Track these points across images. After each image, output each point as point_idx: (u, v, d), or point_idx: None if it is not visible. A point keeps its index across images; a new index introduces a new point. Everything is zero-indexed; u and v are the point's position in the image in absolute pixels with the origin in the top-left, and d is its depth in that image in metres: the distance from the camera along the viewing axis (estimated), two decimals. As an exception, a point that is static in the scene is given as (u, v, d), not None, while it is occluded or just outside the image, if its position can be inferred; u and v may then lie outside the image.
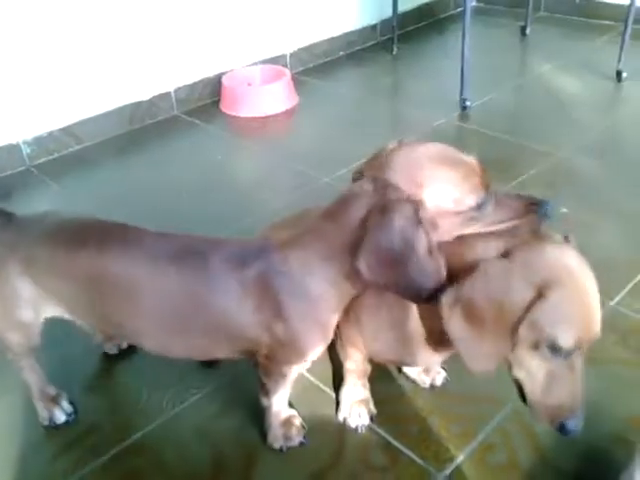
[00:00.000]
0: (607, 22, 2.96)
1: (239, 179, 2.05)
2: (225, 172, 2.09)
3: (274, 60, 2.77)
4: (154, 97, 2.47)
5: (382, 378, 1.24)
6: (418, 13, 3.30)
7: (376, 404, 1.19)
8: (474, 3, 3.62)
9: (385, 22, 3.09)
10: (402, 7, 3.08)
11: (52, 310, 1.06)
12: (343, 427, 1.16)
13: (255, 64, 2.71)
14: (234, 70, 2.64)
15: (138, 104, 2.43)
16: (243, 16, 2.63)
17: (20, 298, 1.03)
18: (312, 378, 1.26)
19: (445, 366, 1.23)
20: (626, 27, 2.36)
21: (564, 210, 1.69)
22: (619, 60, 2.44)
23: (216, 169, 2.11)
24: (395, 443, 1.12)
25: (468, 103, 2.37)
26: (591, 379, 1.15)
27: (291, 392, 1.11)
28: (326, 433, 1.15)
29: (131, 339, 1.14)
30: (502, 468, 1.06)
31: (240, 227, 1.70)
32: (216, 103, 2.59)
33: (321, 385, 1.25)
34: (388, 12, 2.95)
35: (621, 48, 2.41)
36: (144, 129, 2.43)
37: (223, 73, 2.60)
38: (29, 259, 1.01)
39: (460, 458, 1.08)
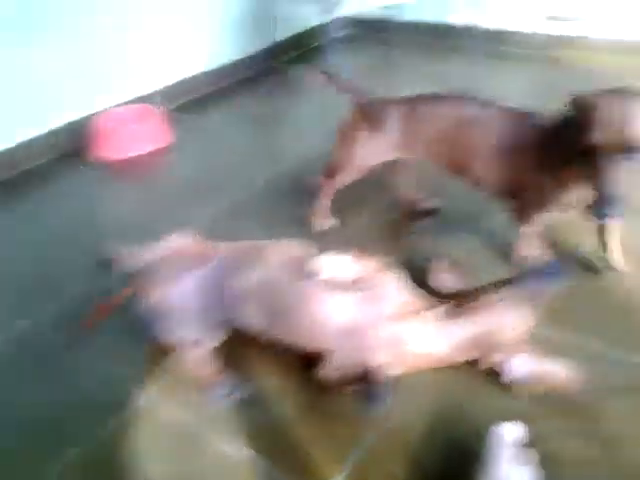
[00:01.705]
0: (465, 43, 3.16)
1: (114, 222, 1.98)
2: (101, 216, 2.02)
3: (145, 98, 2.73)
4: (20, 144, 2.35)
5: (260, 407, 1.22)
6: (292, 43, 3.38)
7: (256, 433, 1.17)
8: (345, 31, 3.76)
9: (257, 54, 3.13)
10: (273, 39, 3.16)
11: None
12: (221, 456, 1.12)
13: (125, 103, 2.65)
14: (104, 111, 2.57)
15: (3, 153, 2.31)
16: (109, 56, 2.58)
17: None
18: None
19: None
20: (473, 47, 2.52)
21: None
22: (471, 78, 2.59)
23: (88, 215, 2.03)
24: (275, 472, 1.09)
25: (342, 128, 2.42)
26: (451, 383, 1.21)
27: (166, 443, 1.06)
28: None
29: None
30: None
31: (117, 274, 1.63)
32: (86, 147, 2.50)
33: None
34: (260, 44, 2.99)
35: (473, 66, 2.56)
36: (11, 180, 2.31)
37: (93, 115, 2.53)
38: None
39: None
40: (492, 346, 1.19)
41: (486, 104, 1.49)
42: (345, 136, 1.65)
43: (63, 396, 1.30)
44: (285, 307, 1.23)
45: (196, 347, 1.32)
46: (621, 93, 1.21)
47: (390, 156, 1.63)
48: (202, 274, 1.31)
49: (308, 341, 1.24)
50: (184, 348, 1.32)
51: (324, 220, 1.82)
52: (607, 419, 1.12)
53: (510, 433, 0.98)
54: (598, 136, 1.17)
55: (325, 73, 1.68)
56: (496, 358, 1.20)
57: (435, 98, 1.56)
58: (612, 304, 1.41)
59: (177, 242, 1.40)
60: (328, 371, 1.20)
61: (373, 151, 1.62)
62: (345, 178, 1.72)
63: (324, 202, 1.81)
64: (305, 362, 1.28)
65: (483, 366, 1.21)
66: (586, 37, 2.99)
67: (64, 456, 1.16)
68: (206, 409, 1.24)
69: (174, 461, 1.15)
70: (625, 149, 1.16)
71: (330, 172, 1.74)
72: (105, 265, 1.41)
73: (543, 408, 1.15)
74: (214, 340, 1.34)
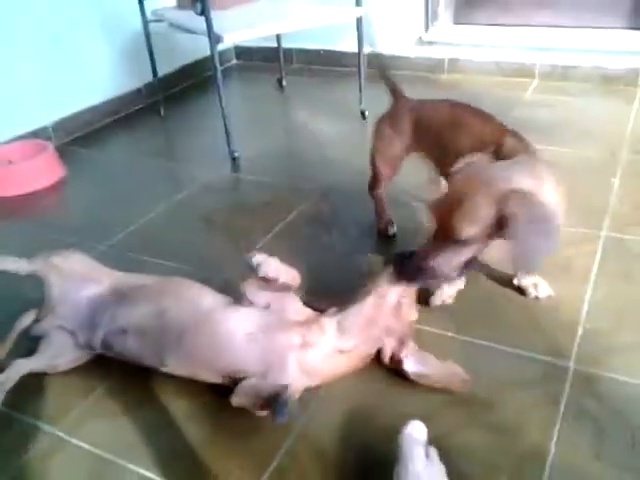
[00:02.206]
0: (349, 68, 3.33)
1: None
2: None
3: (35, 133, 2.67)
4: None
5: (172, 433, 1.25)
6: (181, 74, 3.42)
7: (170, 459, 1.19)
8: (235, 61, 3.85)
9: (149, 85, 3.14)
10: (164, 69, 3.17)
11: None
12: (139, 493, 1.14)
13: (13, 140, 2.58)
14: (-9, 148, 2.49)
15: None
16: (-8, 93, 2.51)
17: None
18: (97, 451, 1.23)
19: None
20: (360, 72, 2.69)
21: (333, 234, 1.87)
22: (361, 101, 2.76)
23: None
24: (194, 495, 1.13)
25: (237, 154, 2.49)
26: (362, 386, 1.30)
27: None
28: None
29: None
30: (295, 489, 1.12)
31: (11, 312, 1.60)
32: (-26, 186, 2.41)
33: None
34: (151, 75, 3.00)
35: (360, 90, 2.74)
36: None
37: (-22, 153, 2.45)
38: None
39: (256, 491, 1.12)
40: (383, 330, 1.30)
41: (476, 111, 1.63)
42: (378, 132, 1.82)
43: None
44: (180, 332, 1.27)
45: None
46: None
47: (406, 154, 1.78)
48: (87, 296, 1.40)
49: (210, 364, 1.27)
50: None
51: (390, 227, 1.88)
52: (504, 410, 1.24)
53: (417, 431, 1.03)
54: None
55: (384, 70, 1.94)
56: (392, 343, 1.31)
57: (435, 103, 1.72)
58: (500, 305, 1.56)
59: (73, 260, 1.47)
60: (240, 397, 1.22)
61: (396, 148, 1.78)
62: (384, 177, 1.84)
63: (383, 211, 1.90)
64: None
65: (386, 358, 1.31)
66: (458, 59, 3.25)
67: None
68: (121, 435, 1.25)
69: (91, 495, 1.15)
70: None
71: (373, 179, 1.87)
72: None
73: (445, 402, 1.26)
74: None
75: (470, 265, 1.27)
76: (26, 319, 1.46)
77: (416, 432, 1.03)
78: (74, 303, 1.40)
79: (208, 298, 1.34)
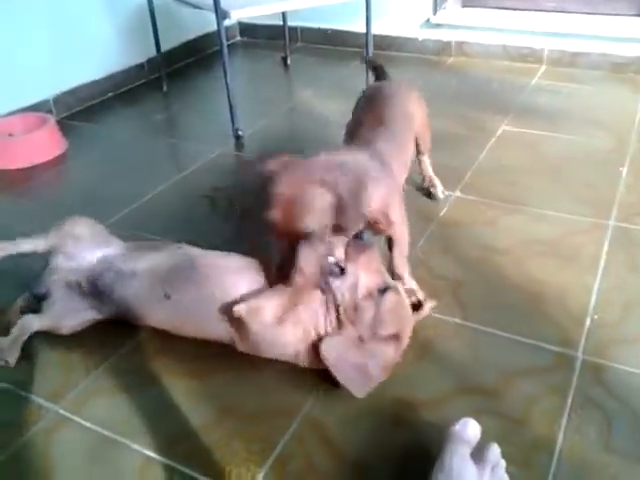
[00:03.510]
0: (354, 49, 3.29)
1: (7, 235, 1.89)
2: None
3: (36, 107, 2.63)
4: None
5: (176, 414, 1.24)
6: (185, 49, 3.36)
7: (173, 440, 1.18)
8: (239, 38, 3.79)
9: (152, 60, 3.09)
10: (168, 45, 3.12)
11: None
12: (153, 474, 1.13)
13: (15, 112, 2.54)
14: (-8, 121, 2.45)
15: None
16: (-8, 63, 2.46)
17: None
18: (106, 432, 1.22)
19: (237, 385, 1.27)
20: (367, 53, 2.65)
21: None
22: (366, 82, 2.72)
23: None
24: (200, 477, 1.12)
25: (241, 132, 2.46)
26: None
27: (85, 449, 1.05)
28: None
29: None
30: (301, 473, 1.11)
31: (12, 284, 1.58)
32: (-27, 158, 2.38)
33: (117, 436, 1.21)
34: (154, 50, 2.95)
35: (367, 71, 2.70)
36: None
37: (-22, 125, 2.41)
38: None
39: (261, 475, 1.11)
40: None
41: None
42: None
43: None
44: (192, 262, 1.34)
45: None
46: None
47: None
48: (100, 252, 1.45)
49: (216, 297, 1.29)
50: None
51: None
52: (512, 399, 1.23)
53: (467, 430, 1.02)
54: None
55: None
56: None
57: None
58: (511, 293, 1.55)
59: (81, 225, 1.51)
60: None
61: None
62: None
63: None
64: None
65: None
66: (465, 43, 3.21)
67: (-25, 481, 1.13)
68: (124, 414, 1.24)
69: (93, 468, 1.14)
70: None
71: None
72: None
73: (453, 390, 1.25)
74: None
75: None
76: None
77: (465, 431, 1.02)
78: (83, 256, 1.43)
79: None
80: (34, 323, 1.40)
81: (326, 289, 1.23)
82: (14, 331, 1.37)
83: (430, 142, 1.86)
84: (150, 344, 1.41)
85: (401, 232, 1.44)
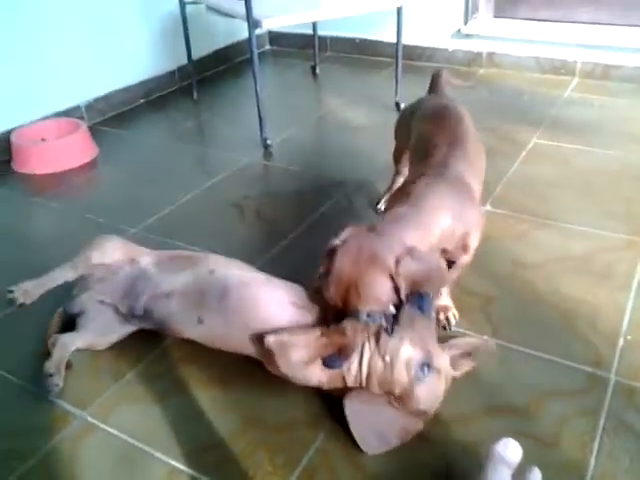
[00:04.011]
0: (384, 59, 3.28)
1: (38, 240, 1.93)
2: (22, 234, 1.96)
3: (68, 112, 2.67)
4: None
5: (201, 423, 1.24)
6: (215, 58, 3.40)
7: (198, 450, 1.18)
8: (268, 46, 3.81)
9: (183, 68, 3.13)
10: (199, 53, 3.15)
11: None
12: (168, 483, 1.13)
13: (47, 118, 2.58)
14: (24, 126, 2.49)
15: None
16: (31, 70, 2.51)
17: None
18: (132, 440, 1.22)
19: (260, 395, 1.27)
20: (397, 63, 2.65)
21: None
22: (396, 92, 2.71)
23: (12, 232, 1.97)
24: (222, 487, 1.12)
25: (269, 142, 2.47)
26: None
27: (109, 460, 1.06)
28: (151, 493, 1.12)
29: None
30: (326, 488, 1.10)
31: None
32: (7, 163, 2.42)
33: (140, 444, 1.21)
34: (185, 58, 2.98)
35: (396, 81, 2.69)
36: None
37: (12, 130, 2.45)
38: None
39: (286, 488, 1.11)
40: None
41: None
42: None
43: (-2, 423, 1.27)
44: (224, 287, 1.30)
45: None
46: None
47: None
48: (129, 271, 1.42)
49: (247, 322, 1.26)
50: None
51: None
52: (542, 420, 1.21)
53: (509, 450, 0.99)
54: None
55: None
56: None
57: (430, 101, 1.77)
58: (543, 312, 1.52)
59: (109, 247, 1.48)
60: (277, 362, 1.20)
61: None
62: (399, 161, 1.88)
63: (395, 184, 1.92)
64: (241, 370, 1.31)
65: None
66: (496, 54, 3.18)
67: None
68: (150, 422, 1.24)
69: (119, 476, 1.14)
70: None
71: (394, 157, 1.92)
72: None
73: (482, 409, 1.23)
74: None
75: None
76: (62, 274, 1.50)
77: (506, 451, 0.99)
78: (115, 281, 1.42)
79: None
80: (73, 342, 1.39)
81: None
82: (55, 353, 1.36)
83: None
84: (175, 352, 1.42)
85: (469, 258, 1.38)
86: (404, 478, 1.11)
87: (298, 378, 1.23)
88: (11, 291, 1.52)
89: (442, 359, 1.18)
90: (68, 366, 1.37)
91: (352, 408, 1.18)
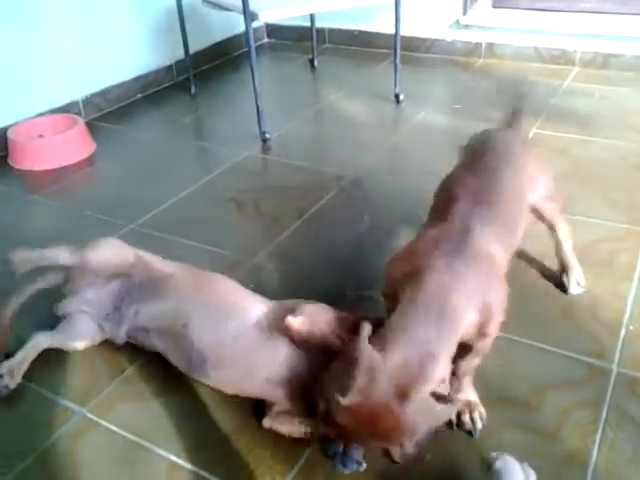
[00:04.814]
0: (383, 50, 3.26)
1: (36, 237, 1.92)
2: (20, 231, 1.95)
3: (65, 108, 2.65)
4: None
5: (201, 419, 1.23)
6: (212, 52, 3.37)
7: (199, 445, 1.18)
8: (266, 39, 3.79)
9: (180, 62, 3.10)
10: (195, 47, 3.13)
11: None
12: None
13: (44, 114, 2.57)
14: (21, 122, 2.48)
15: None
16: (28, 66, 2.49)
17: None
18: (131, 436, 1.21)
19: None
20: (396, 54, 2.63)
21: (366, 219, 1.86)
22: (395, 84, 2.70)
23: (10, 229, 1.96)
24: (222, 482, 1.11)
25: (268, 135, 2.45)
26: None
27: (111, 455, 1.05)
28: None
29: None
30: (327, 483, 1.10)
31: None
32: (4, 159, 2.41)
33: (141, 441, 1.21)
34: (182, 52, 2.97)
35: (395, 73, 2.67)
36: None
37: (9, 126, 2.44)
38: None
39: (287, 482, 1.10)
40: None
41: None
42: None
43: (-3, 421, 1.26)
44: (203, 356, 1.23)
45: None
46: None
47: None
48: (118, 287, 1.37)
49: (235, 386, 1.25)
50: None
51: None
52: (544, 411, 1.20)
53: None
54: None
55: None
56: None
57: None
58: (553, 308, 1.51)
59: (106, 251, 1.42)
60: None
61: None
62: None
63: None
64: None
65: None
66: (495, 44, 3.16)
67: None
68: (151, 419, 1.24)
69: (119, 472, 1.14)
70: None
71: None
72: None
73: (484, 402, 1.21)
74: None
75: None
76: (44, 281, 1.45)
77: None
78: (103, 296, 1.38)
79: (237, 310, 1.26)
80: (43, 342, 1.38)
81: None
82: (19, 354, 1.34)
83: (563, 211, 1.50)
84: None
85: (489, 343, 1.13)
86: (405, 472, 1.10)
87: None
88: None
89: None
90: (58, 359, 1.38)
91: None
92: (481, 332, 1.07)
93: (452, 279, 1.05)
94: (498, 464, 0.95)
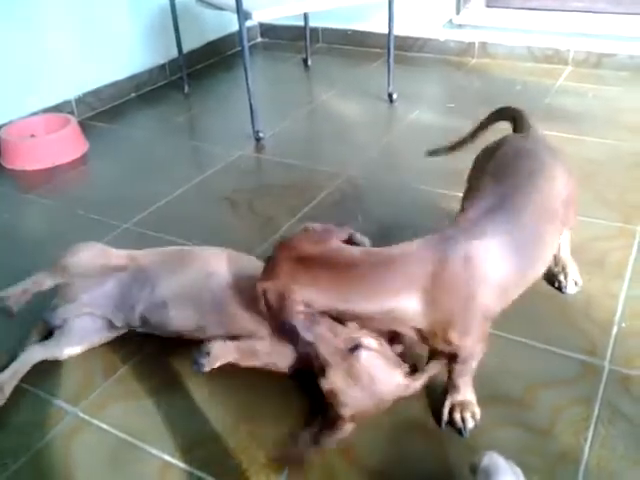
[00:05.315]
0: (376, 50, 3.26)
1: (30, 236, 1.91)
2: (13, 231, 1.94)
3: (58, 107, 2.65)
4: None
5: (195, 418, 1.23)
6: (206, 51, 3.37)
7: (192, 444, 1.18)
8: (259, 39, 3.78)
9: (174, 61, 3.10)
10: (189, 46, 3.12)
11: None
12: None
13: (36, 113, 2.56)
14: (13, 122, 2.47)
15: None
16: (21, 65, 2.49)
17: None
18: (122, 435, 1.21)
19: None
20: (389, 54, 2.63)
21: (359, 218, 1.86)
22: (389, 83, 2.70)
23: (3, 229, 1.95)
24: (216, 481, 1.11)
25: (261, 134, 2.45)
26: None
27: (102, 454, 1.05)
28: (144, 489, 1.11)
29: None
30: (320, 481, 1.10)
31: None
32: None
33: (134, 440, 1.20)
34: (175, 51, 2.96)
35: (389, 72, 2.67)
36: None
37: (1, 126, 2.43)
38: None
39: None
40: None
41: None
42: None
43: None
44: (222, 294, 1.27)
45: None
46: None
47: None
48: (118, 280, 1.37)
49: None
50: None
51: None
52: (537, 409, 1.20)
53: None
54: None
55: None
56: None
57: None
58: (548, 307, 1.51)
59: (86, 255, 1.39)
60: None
61: None
62: None
63: None
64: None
65: None
66: (488, 44, 3.17)
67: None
68: (144, 418, 1.23)
69: (112, 471, 1.14)
70: None
71: None
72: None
73: (478, 399, 1.21)
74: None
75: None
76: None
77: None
78: (102, 292, 1.37)
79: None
80: (38, 354, 1.35)
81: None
82: (12, 366, 1.31)
83: (574, 218, 1.45)
84: (169, 347, 1.40)
85: (471, 353, 1.11)
86: (399, 471, 1.11)
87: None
88: None
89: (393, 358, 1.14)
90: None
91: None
92: (444, 339, 1.04)
93: (410, 259, 1.02)
94: (485, 461, 0.95)
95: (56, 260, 1.38)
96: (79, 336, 1.38)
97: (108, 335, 1.41)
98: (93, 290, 1.37)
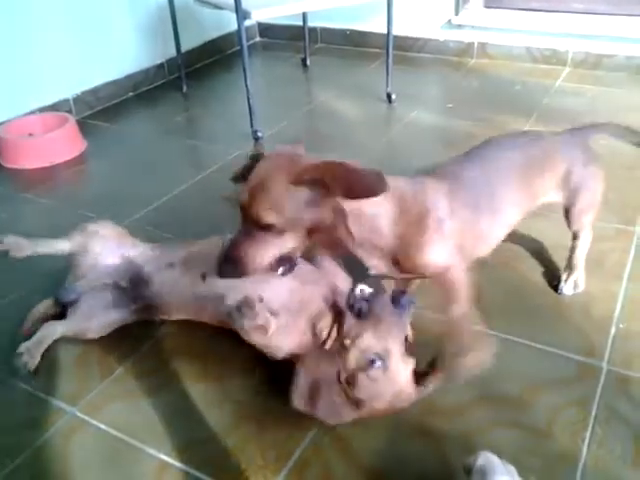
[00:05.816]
0: (375, 50, 3.27)
1: (27, 235, 1.90)
2: (11, 230, 1.93)
3: (56, 106, 2.64)
4: None
5: (192, 418, 1.23)
6: (204, 50, 3.36)
7: (189, 445, 1.17)
8: (258, 38, 3.78)
9: (172, 60, 3.09)
10: (187, 45, 3.12)
11: None
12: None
13: (34, 112, 2.55)
14: (11, 121, 2.46)
15: None
16: (19, 64, 2.48)
17: None
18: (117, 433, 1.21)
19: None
20: (388, 54, 2.63)
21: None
22: (388, 84, 2.70)
23: (1, 227, 1.94)
24: (213, 481, 1.11)
25: (260, 134, 2.45)
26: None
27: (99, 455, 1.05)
28: (141, 489, 1.11)
29: None
30: (318, 481, 1.10)
31: (33, 287, 1.59)
32: (-5, 157, 2.40)
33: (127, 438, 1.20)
34: (174, 51, 2.96)
35: (388, 72, 2.67)
36: None
37: (3, 123, 2.43)
38: None
39: (278, 481, 1.10)
40: None
41: None
42: None
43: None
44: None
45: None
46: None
47: None
48: (128, 253, 1.46)
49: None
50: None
51: None
52: (535, 409, 1.20)
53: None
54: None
55: None
56: None
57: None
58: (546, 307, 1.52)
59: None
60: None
61: None
62: None
63: None
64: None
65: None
66: (487, 44, 3.17)
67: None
68: (141, 418, 1.23)
69: (109, 471, 1.13)
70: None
71: None
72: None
73: (475, 399, 1.22)
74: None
75: (287, 261, 1.11)
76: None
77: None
78: (113, 254, 1.44)
79: None
80: (57, 329, 1.38)
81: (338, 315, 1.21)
82: (36, 335, 1.35)
83: (591, 222, 1.49)
84: (167, 346, 1.41)
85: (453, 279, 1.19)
86: (397, 470, 1.11)
87: (271, 348, 1.24)
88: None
89: (400, 363, 1.16)
90: (49, 359, 1.37)
91: (305, 366, 1.18)
92: (409, 255, 1.14)
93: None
94: (480, 461, 0.95)
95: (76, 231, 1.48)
96: (91, 310, 1.39)
97: (115, 314, 1.41)
98: (108, 257, 1.44)
